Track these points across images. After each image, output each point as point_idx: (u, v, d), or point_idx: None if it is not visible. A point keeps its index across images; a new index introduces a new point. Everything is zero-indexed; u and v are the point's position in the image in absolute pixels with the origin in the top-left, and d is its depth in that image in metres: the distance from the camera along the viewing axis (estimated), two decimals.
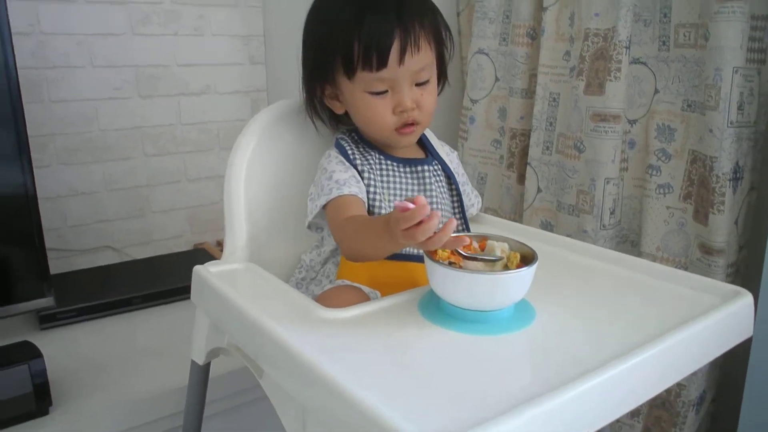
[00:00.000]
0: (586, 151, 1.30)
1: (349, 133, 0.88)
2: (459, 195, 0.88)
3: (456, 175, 0.90)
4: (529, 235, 0.92)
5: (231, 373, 1.09)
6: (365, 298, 0.75)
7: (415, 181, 0.85)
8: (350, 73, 0.79)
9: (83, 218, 1.58)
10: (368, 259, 0.75)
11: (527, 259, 0.66)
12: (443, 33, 0.83)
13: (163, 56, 1.62)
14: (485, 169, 1.58)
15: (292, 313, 0.66)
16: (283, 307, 0.68)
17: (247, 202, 0.86)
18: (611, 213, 1.29)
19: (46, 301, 1.20)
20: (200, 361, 0.85)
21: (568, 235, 1.33)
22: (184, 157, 1.71)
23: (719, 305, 0.68)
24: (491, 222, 1.00)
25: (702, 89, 1.16)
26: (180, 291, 1.42)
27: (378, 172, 0.83)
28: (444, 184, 0.88)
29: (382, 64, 0.76)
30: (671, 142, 1.23)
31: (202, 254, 1.64)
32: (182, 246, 1.75)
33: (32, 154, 1.14)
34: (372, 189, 0.81)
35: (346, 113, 0.86)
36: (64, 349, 1.20)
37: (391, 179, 0.84)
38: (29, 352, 0.99)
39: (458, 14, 1.65)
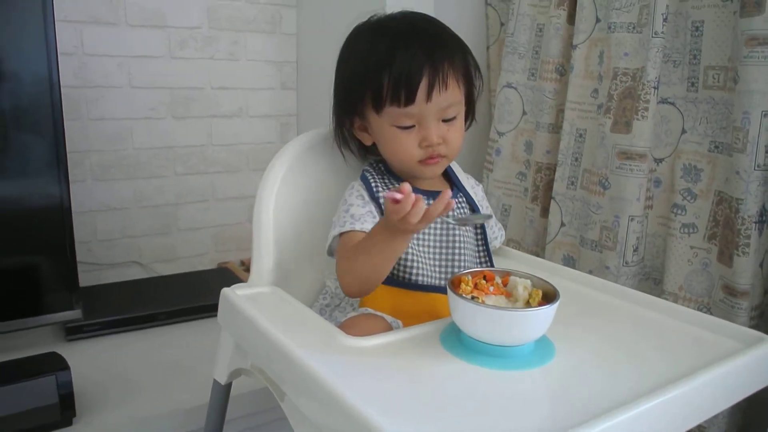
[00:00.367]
0: (611, 188, 1.31)
1: (377, 164, 0.90)
2: (483, 228, 0.90)
3: (480, 208, 0.91)
4: (552, 271, 0.93)
5: (251, 393, 1.11)
6: (388, 327, 0.77)
7: None
8: (378, 108, 0.81)
9: (112, 233, 1.63)
10: (369, 280, 0.76)
11: (549, 296, 0.66)
12: (472, 72, 0.85)
13: (199, 79, 1.67)
14: (509, 201, 1.59)
15: (316, 339, 0.68)
16: (308, 333, 0.69)
17: (275, 228, 0.88)
18: (634, 250, 1.29)
19: (73, 314, 1.23)
20: (222, 381, 0.87)
21: (590, 271, 1.34)
22: (213, 177, 1.75)
23: (741, 350, 0.68)
24: (514, 256, 1.01)
25: (729, 131, 1.17)
26: (204, 309, 1.44)
27: None
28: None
29: (410, 100, 0.79)
30: (697, 182, 1.24)
31: (227, 273, 1.67)
32: (206, 264, 1.78)
33: (69, 169, 1.18)
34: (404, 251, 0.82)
35: (375, 144, 0.88)
36: (89, 362, 1.23)
37: None
38: (56, 364, 1.02)
39: (488, 48, 1.67)
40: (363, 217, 0.81)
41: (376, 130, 0.84)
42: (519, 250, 1.34)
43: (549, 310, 0.63)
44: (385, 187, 0.86)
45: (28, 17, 1.09)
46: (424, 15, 0.86)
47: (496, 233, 0.97)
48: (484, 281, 0.69)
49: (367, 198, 0.84)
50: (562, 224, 1.44)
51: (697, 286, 1.23)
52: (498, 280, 0.70)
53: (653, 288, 1.33)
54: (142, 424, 1.07)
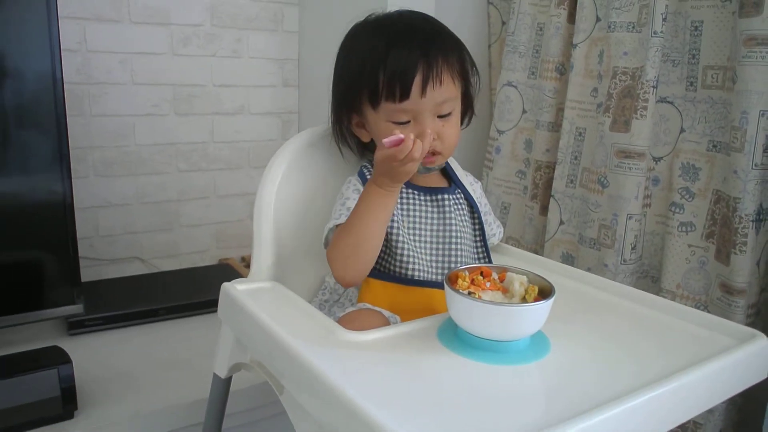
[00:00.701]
0: (610, 186, 1.31)
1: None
2: (481, 224, 0.90)
3: (479, 205, 0.92)
4: (550, 268, 0.94)
5: (251, 387, 1.12)
6: (385, 322, 0.78)
7: (436, 210, 0.87)
8: (375, 103, 0.82)
9: (114, 229, 1.64)
10: (362, 256, 0.79)
11: (545, 292, 0.67)
12: (469, 69, 0.86)
13: (201, 76, 1.67)
14: (509, 199, 1.60)
15: (315, 334, 0.69)
16: (307, 328, 0.70)
17: (275, 224, 0.89)
18: (632, 248, 1.30)
19: (76, 308, 1.24)
20: (222, 375, 0.88)
21: (588, 269, 1.35)
22: (215, 174, 1.76)
23: (734, 347, 0.69)
24: (512, 253, 1.02)
25: (728, 131, 1.18)
26: (204, 304, 1.45)
27: (399, 200, 0.86)
28: (466, 213, 0.90)
29: (405, 95, 0.80)
30: (695, 181, 1.24)
31: (228, 269, 1.68)
32: (207, 260, 1.79)
33: (72, 165, 1.19)
34: (392, 216, 0.84)
35: (373, 141, 0.89)
36: (91, 356, 1.24)
37: (412, 207, 0.86)
38: (58, 357, 1.03)
39: (489, 46, 1.68)
40: None
41: (373, 127, 0.85)
42: (518, 247, 1.35)
43: (544, 306, 0.64)
44: None
45: (32, 14, 1.10)
46: (421, 13, 0.87)
47: (494, 230, 0.98)
48: (480, 277, 0.70)
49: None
50: (561, 222, 1.45)
51: (695, 284, 1.24)
52: (495, 276, 0.71)
53: (651, 286, 1.34)
54: (142, 417, 1.08)
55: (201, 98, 1.69)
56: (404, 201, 0.86)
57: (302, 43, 1.81)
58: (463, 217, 0.88)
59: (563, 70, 1.45)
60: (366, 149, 0.94)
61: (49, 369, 1.00)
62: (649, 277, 1.35)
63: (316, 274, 0.94)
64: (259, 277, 0.86)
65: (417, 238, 0.85)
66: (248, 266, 1.70)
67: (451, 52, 0.82)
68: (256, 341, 0.74)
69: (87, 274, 1.51)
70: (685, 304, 1.20)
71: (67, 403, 1.02)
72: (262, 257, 0.88)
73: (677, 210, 1.26)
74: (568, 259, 1.44)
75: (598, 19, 1.36)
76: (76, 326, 1.33)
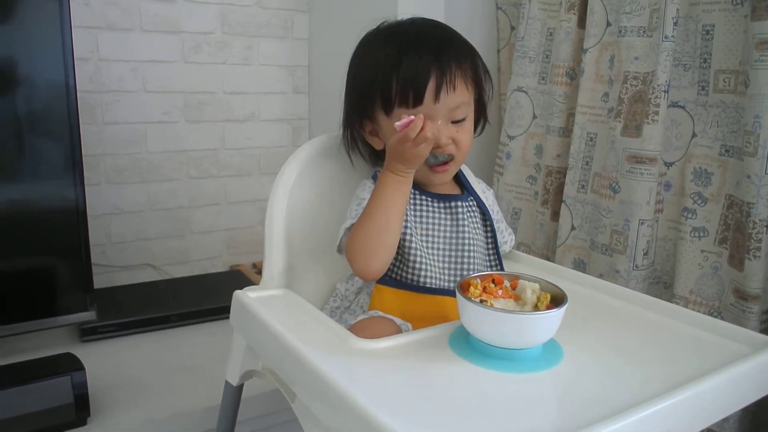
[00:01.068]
0: (622, 191, 1.31)
1: None
2: (493, 232, 0.90)
3: (491, 212, 0.92)
4: (561, 274, 0.93)
5: (263, 394, 1.12)
6: (397, 330, 0.77)
7: (449, 217, 0.87)
8: (388, 110, 0.82)
9: (126, 236, 1.65)
10: (380, 245, 0.79)
11: (557, 300, 0.67)
12: (482, 75, 0.86)
13: (212, 84, 1.68)
14: (519, 205, 1.60)
15: (327, 342, 0.69)
16: (319, 335, 0.70)
17: (286, 231, 0.89)
18: (645, 254, 1.29)
19: (88, 315, 1.25)
20: (234, 382, 0.88)
21: (600, 275, 1.34)
22: (226, 180, 1.77)
23: (749, 355, 0.68)
24: (524, 260, 1.01)
25: (740, 135, 1.17)
26: (216, 311, 1.45)
27: (412, 207, 0.86)
28: (478, 220, 0.90)
29: (418, 101, 0.80)
30: (708, 186, 1.23)
31: (239, 276, 1.68)
32: (218, 266, 1.80)
33: (84, 173, 1.20)
34: (405, 223, 0.84)
35: (385, 149, 0.89)
36: (104, 363, 1.25)
37: (425, 214, 0.86)
38: (71, 364, 1.03)
39: (498, 51, 1.68)
40: None
41: (386, 134, 0.85)
42: (529, 253, 1.34)
43: (557, 314, 0.64)
44: None
45: (46, 24, 1.11)
46: (433, 21, 0.87)
47: (506, 237, 0.98)
48: (492, 285, 0.70)
49: None
50: (573, 228, 1.44)
51: (708, 290, 1.23)
52: (507, 283, 0.71)
53: (663, 292, 1.33)
54: (155, 424, 1.08)
55: (212, 105, 1.70)
56: (417, 208, 0.86)
57: (312, 49, 1.81)
58: (475, 225, 0.88)
59: (574, 75, 1.45)
60: (378, 158, 0.94)
61: (63, 376, 1.00)
62: (661, 283, 1.34)
63: (328, 281, 0.94)
64: (270, 285, 0.86)
65: (430, 245, 0.85)
66: (259, 272, 1.70)
67: (464, 58, 0.82)
68: (267, 349, 0.74)
69: (99, 280, 1.51)
70: (698, 310, 1.20)
71: (80, 410, 1.02)
72: (274, 264, 0.88)
73: (690, 215, 1.26)
74: (580, 265, 1.43)
75: (608, 24, 1.36)
76: (88, 333, 1.34)
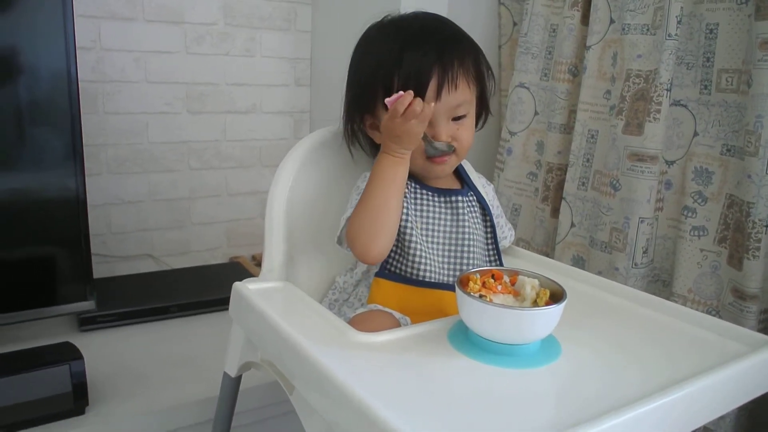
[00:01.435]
0: (622, 189, 1.31)
1: None
2: (493, 227, 0.90)
3: (491, 207, 0.92)
4: (560, 271, 0.93)
5: (261, 385, 1.12)
6: (396, 324, 0.78)
7: (449, 211, 0.87)
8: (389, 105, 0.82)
9: (126, 226, 1.65)
10: (378, 226, 0.79)
11: (556, 296, 0.67)
12: (485, 72, 0.86)
13: (214, 75, 1.68)
14: (520, 201, 1.60)
15: (326, 335, 0.69)
16: (318, 328, 0.70)
17: (287, 224, 0.90)
18: (644, 252, 1.30)
19: (88, 305, 1.25)
20: (233, 374, 0.89)
21: (599, 272, 1.34)
22: (226, 172, 1.77)
23: (746, 353, 0.69)
24: (524, 256, 1.01)
25: (742, 135, 1.17)
26: (215, 302, 1.46)
27: (413, 201, 0.86)
28: (478, 215, 0.90)
29: (419, 98, 0.79)
30: (708, 185, 1.24)
31: (238, 268, 1.68)
32: (218, 258, 1.80)
33: (85, 163, 1.20)
34: (405, 217, 0.84)
35: None
36: (102, 352, 1.25)
37: (425, 208, 0.86)
38: (70, 353, 1.03)
39: (500, 47, 1.67)
40: None
41: None
42: (528, 249, 1.34)
43: (556, 310, 0.64)
44: None
45: (48, 12, 1.11)
46: (437, 16, 0.87)
47: (505, 233, 0.98)
48: (492, 280, 0.70)
49: None
50: (572, 225, 1.44)
51: (707, 288, 1.24)
52: (506, 279, 0.71)
53: (662, 290, 1.33)
54: (153, 414, 1.08)
55: (214, 97, 1.69)
56: (417, 202, 0.86)
57: (315, 42, 1.81)
58: (475, 220, 0.88)
59: (576, 72, 1.45)
60: (379, 150, 0.93)
61: (61, 365, 1.00)
62: (660, 281, 1.34)
63: (327, 274, 0.94)
64: (270, 277, 0.87)
65: (429, 239, 0.85)
66: (259, 264, 1.71)
67: (467, 56, 0.82)
68: (266, 341, 0.74)
69: (99, 270, 1.51)
70: (697, 309, 1.20)
71: (78, 399, 1.03)
72: (274, 257, 0.88)
73: (690, 214, 1.26)
74: (579, 262, 1.43)
75: (611, 21, 1.36)
76: (87, 322, 1.34)
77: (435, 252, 0.84)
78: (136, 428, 1.07)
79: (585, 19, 1.42)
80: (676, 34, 1.22)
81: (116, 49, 1.53)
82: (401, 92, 0.75)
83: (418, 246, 0.83)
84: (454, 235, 0.86)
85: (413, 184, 0.87)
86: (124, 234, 1.65)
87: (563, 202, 1.45)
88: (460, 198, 0.88)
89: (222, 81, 1.70)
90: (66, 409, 1.02)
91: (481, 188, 0.93)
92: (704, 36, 1.23)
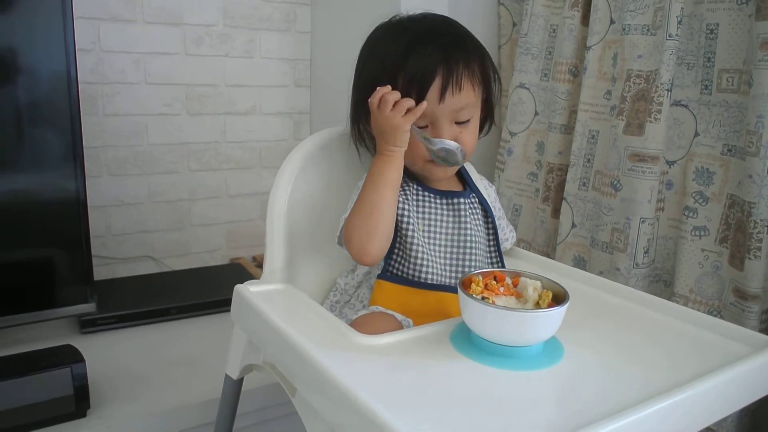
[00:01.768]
0: (623, 189, 1.31)
1: None
2: (495, 228, 0.90)
3: (493, 209, 0.92)
4: (562, 272, 0.93)
5: (262, 388, 1.12)
6: (398, 326, 0.78)
7: (451, 213, 0.87)
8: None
9: (126, 228, 1.64)
10: (374, 226, 0.79)
11: (559, 298, 0.67)
12: (491, 76, 0.86)
13: (213, 76, 1.68)
14: (520, 201, 1.60)
15: (328, 337, 0.69)
16: (320, 331, 0.70)
17: (288, 226, 0.89)
18: (645, 252, 1.29)
19: (88, 307, 1.25)
20: (234, 376, 0.88)
21: (600, 273, 1.34)
22: (226, 173, 1.77)
23: (748, 355, 0.68)
24: (525, 257, 1.01)
25: (743, 135, 1.17)
26: (216, 304, 1.45)
27: (414, 202, 0.86)
28: (480, 217, 0.90)
29: (422, 99, 0.79)
30: (709, 185, 1.23)
31: (239, 269, 1.68)
32: (218, 259, 1.80)
33: (85, 164, 1.20)
34: (406, 218, 0.84)
35: None
36: (103, 354, 1.25)
37: (427, 210, 0.86)
38: (72, 356, 1.03)
39: (499, 48, 1.67)
40: None
41: None
42: (529, 250, 1.34)
43: (558, 312, 0.64)
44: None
45: (47, 14, 1.11)
46: (445, 17, 0.87)
47: (507, 234, 0.98)
48: (494, 282, 0.70)
49: None
50: (573, 225, 1.44)
51: (708, 289, 1.23)
52: (508, 280, 0.71)
53: (663, 290, 1.33)
54: (154, 416, 1.08)
55: (213, 98, 1.69)
56: (420, 203, 0.86)
57: (314, 43, 1.81)
58: (477, 221, 0.88)
59: (576, 73, 1.45)
60: None
61: (63, 368, 1.00)
62: (661, 282, 1.34)
63: (328, 276, 0.94)
64: (271, 279, 0.86)
65: (432, 241, 0.85)
66: (259, 266, 1.71)
67: (473, 58, 0.82)
68: (268, 343, 0.74)
69: (99, 272, 1.51)
70: (698, 309, 1.20)
71: (80, 402, 1.02)
72: (275, 259, 0.88)
73: (691, 214, 1.26)
74: (580, 263, 1.43)
75: (612, 22, 1.36)
76: (88, 325, 1.34)
77: (437, 254, 0.84)
78: (138, 430, 1.07)
79: (585, 19, 1.42)
80: (676, 35, 1.22)
81: (116, 50, 1.53)
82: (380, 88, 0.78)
83: (420, 248, 0.83)
84: (455, 237, 0.85)
85: (415, 186, 0.87)
86: (125, 236, 1.65)
87: (564, 203, 1.45)
88: (461, 200, 0.88)
89: (221, 82, 1.70)
90: (68, 412, 1.02)
91: (483, 190, 0.93)
92: (705, 36, 1.23)
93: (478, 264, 0.86)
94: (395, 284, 0.83)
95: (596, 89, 1.39)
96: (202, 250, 1.77)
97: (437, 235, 0.85)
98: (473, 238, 0.86)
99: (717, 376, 0.63)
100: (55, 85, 1.14)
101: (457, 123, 0.83)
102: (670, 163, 1.29)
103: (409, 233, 0.83)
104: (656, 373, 0.65)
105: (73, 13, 1.12)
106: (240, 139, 1.76)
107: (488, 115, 0.90)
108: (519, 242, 1.58)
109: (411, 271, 0.83)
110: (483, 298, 0.65)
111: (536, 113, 1.55)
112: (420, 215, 0.85)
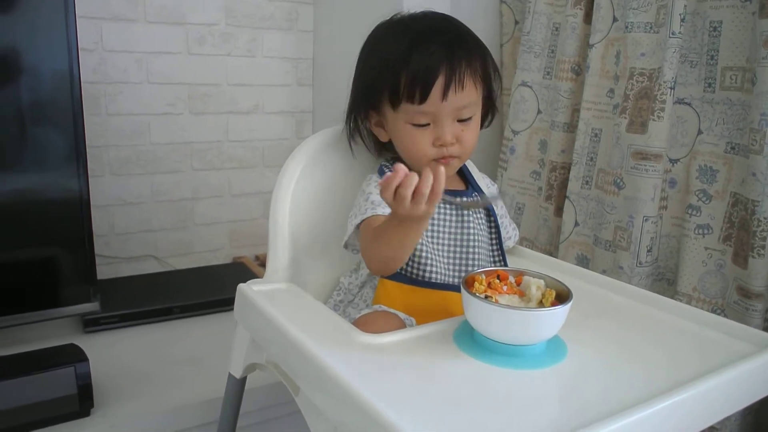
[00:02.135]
0: (626, 188, 1.30)
1: (393, 161, 0.90)
2: (497, 227, 0.90)
3: (495, 208, 0.92)
4: (565, 270, 0.93)
5: (266, 386, 1.12)
6: (401, 325, 0.78)
7: (454, 213, 0.87)
8: (395, 104, 0.82)
9: (129, 227, 1.65)
10: (389, 264, 0.78)
11: (562, 296, 0.67)
12: (492, 74, 0.86)
13: (216, 75, 1.68)
14: (523, 200, 1.59)
15: (331, 336, 0.69)
16: (323, 330, 0.70)
17: (291, 225, 0.89)
18: (648, 251, 1.29)
19: (91, 306, 1.25)
20: (237, 375, 0.88)
21: (603, 271, 1.34)
22: (229, 173, 1.77)
23: (752, 353, 0.68)
24: (528, 255, 1.01)
25: (746, 132, 1.16)
26: (219, 303, 1.46)
27: None
28: (482, 215, 0.90)
29: (425, 97, 0.79)
30: (713, 183, 1.23)
31: (242, 268, 1.68)
32: (221, 258, 1.80)
33: (88, 164, 1.20)
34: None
35: (390, 141, 0.89)
36: (106, 354, 1.25)
37: None
38: (75, 355, 1.04)
39: (502, 46, 1.67)
40: (383, 203, 0.82)
41: (392, 127, 0.85)
42: (532, 248, 1.34)
43: (562, 311, 0.64)
44: None
45: (50, 14, 1.11)
46: (446, 16, 0.87)
47: (510, 233, 0.98)
48: (497, 280, 0.70)
49: None
50: (576, 223, 1.44)
51: (711, 287, 1.23)
52: (511, 279, 0.71)
53: (667, 289, 1.33)
54: (158, 415, 1.08)
55: (216, 97, 1.69)
56: None
57: (316, 42, 1.81)
58: (479, 220, 0.88)
59: (579, 71, 1.45)
60: (384, 148, 0.93)
61: (66, 367, 1.01)
62: (665, 280, 1.34)
63: (332, 275, 0.94)
64: (274, 278, 0.86)
65: (435, 240, 0.85)
66: (262, 265, 1.71)
67: (475, 57, 0.82)
68: (272, 343, 0.74)
69: (102, 272, 1.52)
70: (702, 308, 1.20)
71: (83, 401, 1.03)
72: (278, 258, 0.88)
73: (694, 212, 1.25)
74: (583, 261, 1.43)
75: (615, 20, 1.35)
76: (91, 324, 1.34)
77: (440, 253, 0.84)
78: (142, 429, 1.07)
79: (588, 17, 1.41)
80: (679, 32, 1.22)
81: (118, 50, 1.53)
82: (391, 173, 0.66)
83: (423, 247, 0.83)
84: (458, 236, 0.85)
85: None
86: (127, 235, 1.65)
87: (567, 201, 1.45)
88: (464, 199, 0.88)
89: (224, 81, 1.70)
90: (71, 411, 1.03)
91: (485, 188, 0.93)
92: (708, 34, 1.22)
93: (480, 263, 0.86)
94: (399, 283, 0.83)
95: (599, 87, 1.39)
96: (205, 249, 1.78)
97: (440, 235, 0.85)
98: (476, 237, 0.86)
99: (720, 374, 0.63)
100: (58, 85, 1.14)
101: (459, 121, 0.83)
102: (673, 162, 1.29)
103: None
104: (659, 371, 0.65)
105: (76, 13, 1.12)
106: (242, 138, 1.76)
107: (488, 112, 0.90)
108: (522, 241, 1.57)
109: (415, 270, 0.83)
110: (486, 297, 0.65)
111: (539, 111, 1.54)
112: None
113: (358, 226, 0.82)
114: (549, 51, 1.52)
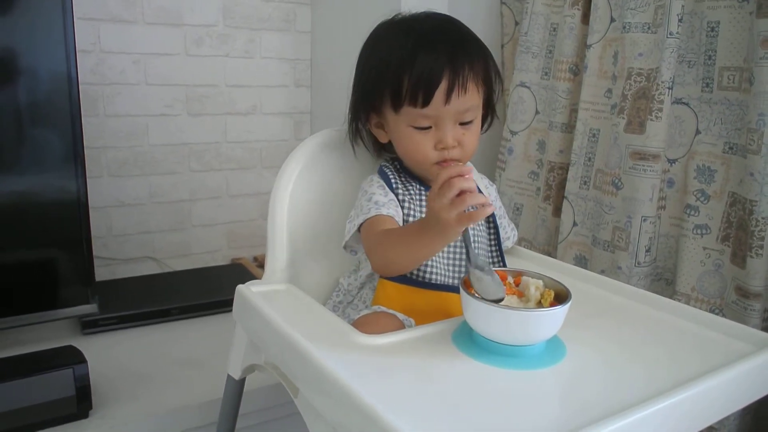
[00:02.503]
0: (624, 188, 1.31)
1: (392, 162, 0.90)
2: (496, 228, 0.90)
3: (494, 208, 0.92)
4: (563, 271, 0.93)
5: (264, 388, 1.12)
6: (400, 326, 0.77)
7: None
8: (397, 107, 0.82)
9: (127, 228, 1.65)
10: (400, 268, 0.78)
11: (561, 297, 0.67)
12: (493, 77, 0.86)
13: (214, 77, 1.68)
14: (521, 200, 1.59)
15: (330, 337, 0.69)
16: (322, 331, 0.70)
17: (289, 225, 0.89)
18: (647, 251, 1.29)
19: (90, 308, 1.25)
20: (236, 376, 0.88)
21: (601, 271, 1.34)
22: (227, 174, 1.77)
23: (751, 353, 0.68)
24: (527, 256, 1.01)
25: (744, 132, 1.16)
26: (218, 304, 1.45)
27: (417, 203, 0.86)
28: None
29: (428, 101, 0.79)
30: (711, 183, 1.23)
31: (240, 269, 1.68)
32: (219, 260, 1.80)
33: (86, 165, 1.20)
34: (411, 218, 0.84)
35: (390, 142, 0.89)
36: (105, 355, 1.25)
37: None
38: (73, 357, 1.03)
39: (502, 46, 1.67)
40: (387, 204, 0.82)
41: (392, 129, 0.85)
42: (530, 249, 1.34)
43: (560, 311, 0.64)
44: (401, 184, 0.86)
45: (48, 15, 1.11)
46: (448, 17, 0.86)
47: (508, 233, 0.98)
48: None
49: (387, 189, 0.85)
50: (575, 224, 1.44)
51: (710, 287, 1.23)
52: (510, 280, 0.71)
53: (665, 289, 1.33)
54: (156, 417, 1.08)
55: (213, 98, 1.69)
56: (424, 204, 0.86)
57: (314, 43, 1.81)
58: (478, 221, 0.88)
59: (577, 71, 1.45)
60: (383, 149, 0.93)
61: (65, 369, 1.00)
62: (663, 280, 1.34)
63: (330, 276, 0.94)
64: (273, 279, 0.86)
65: None
66: (260, 266, 1.71)
67: (477, 60, 0.82)
68: (270, 344, 0.74)
69: (100, 273, 1.51)
70: (700, 308, 1.20)
71: (82, 402, 1.03)
72: (277, 259, 0.88)
73: (692, 212, 1.25)
74: (581, 261, 1.43)
75: (612, 20, 1.36)
76: (89, 326, 1.34)
77: (439, 253, 0.84)
78: (140, 431, 1.07)
79: (585, 17, 1.41)
80: (677, 33, 1.22)
81: (116, 51, 1.53)
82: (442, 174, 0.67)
83: None
84: (457, 237, 0.85)
85: (418, 186, 0.87)
86: (125, 236, 1.65)
87: (565, 202, 1.45)
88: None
89: (222, 82, 1.70)
90: (70, 413, 1.02)
91: (483, 189, 0.93)
92: (705, 34, 1.22)
93: None
94: (398, 284, 0.83)
95: (597, 87, 1.39)
96: (203, 250, 1.77)
97: None
98: (475, 238, 0.86)
99: (719, 374, 0.63)
100: (56, 86, 1.14)
101: (461, 124, 0.82)
102: (671, 162, 1.29)
103: None
104: (658, 371, 0.65)
105: (74, 14, 1.12)
106: (240, 140, 1.76)
107: (488, 114, 0.90)
108: (520, 241, 1.58)
109: (414, 271, 0.83)
110: (485, 298, 0.65)
111: (537, 112, 1.55)
112: (422, 215, 0.85)
113: (359, 227, 0.82)
114: (547, 51, 1.52)
